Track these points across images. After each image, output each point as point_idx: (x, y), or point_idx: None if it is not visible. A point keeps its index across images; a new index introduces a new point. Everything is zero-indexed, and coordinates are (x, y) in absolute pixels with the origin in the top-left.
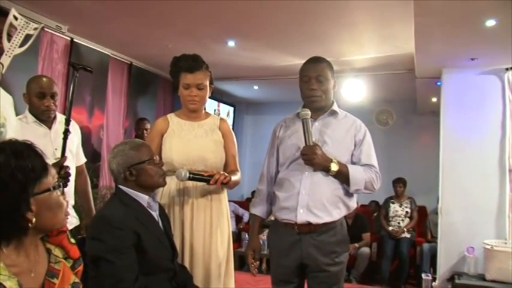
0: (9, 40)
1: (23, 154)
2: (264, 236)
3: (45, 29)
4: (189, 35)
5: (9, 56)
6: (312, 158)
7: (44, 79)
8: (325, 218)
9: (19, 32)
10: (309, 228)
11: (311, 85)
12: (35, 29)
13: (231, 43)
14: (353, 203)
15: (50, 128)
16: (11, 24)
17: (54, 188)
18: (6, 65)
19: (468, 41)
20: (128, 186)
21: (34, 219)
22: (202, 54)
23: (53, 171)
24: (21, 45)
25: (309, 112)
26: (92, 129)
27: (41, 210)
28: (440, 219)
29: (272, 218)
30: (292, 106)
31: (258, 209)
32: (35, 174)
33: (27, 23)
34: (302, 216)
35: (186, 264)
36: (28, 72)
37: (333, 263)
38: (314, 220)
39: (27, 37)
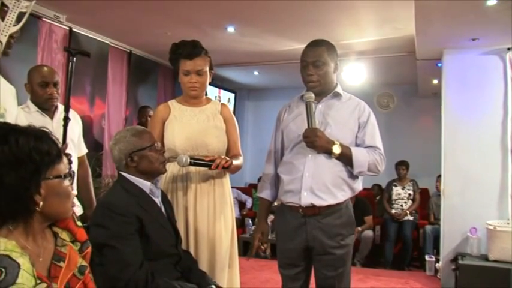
0: (3, 19)
1: (42, 138)
2: (268, 221)
3: (44, 19)
4: (188, 21)
5: (5, 35)
6: (314, 141)
7: (46, 68)
8: (329, 200)
9: (11, 11)
10: (313, 210)
11: (308, 70)
12: (27, 6)
13: (231, 29)
14: (358, 185)
15: (51, 117)
16: (2, 4)
17: (65, 176)
18: (4, 43)
19: (469, 21)
20: (130, 172)
21: (41, 203)
22: (201, 40)
23: (65, 160)
24: (15, 24)
25: (312, 95)
26: (93, 118)
27: (50, 195)
28: (443, 201)
29: (275, 203)
30: (293, 91)
31: (265, 193)
32: (49, 158)
33: (18, 1)
34: (306, 199)
35: (191, 249)
36: (27, 63)
37: (339, 246)
38: (318, 202)
39: (21, 16)
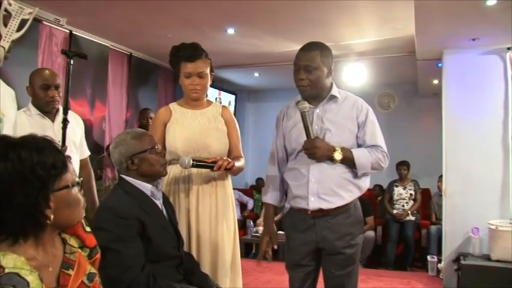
0: (5, 26)
1: (45, 150)
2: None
3: (44, 22)
4: (188, 23)
5: (7, 41)
6: (314, 153)
7: (47, 71)
8: (336, 203)
9: (14, 17)
10: (322, 212)
11: (299, 75)
12: (30, 13)
13: (231, 30)
14: (364, 183)
15: (53, 120)
16: (5, 10)
17: (73, 185)
18: (7, 49)
19: (469, 21)
20: (130, 175)
21: (52, 216)
22: (201, 42)
23: (71, 168)
24: (17, 30)
25: (306, 105)
26: (94, 121)
27: (60, 207)
28: (445, 201)
29: (287, 205)
30: (294, 92)
31: (270, 197)
32: (55, 170)
33: (21, 8)
34: (314, 204)
35: (193, 251)
36: (28, 66)
37: (348, 245)
38: (325, 206)
39: (23, 22)
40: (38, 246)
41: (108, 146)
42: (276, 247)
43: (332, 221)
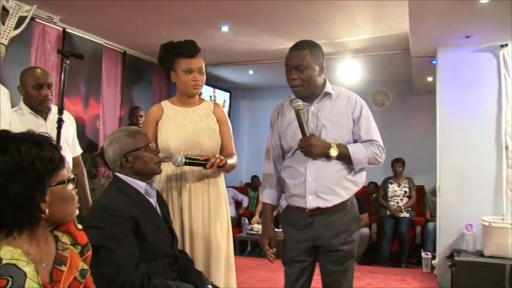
0: (3, 23)
1: (43, 145)
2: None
3: (37, 20)
4: (183, 21)
5: (6, 38)
6: (310, 151)
7: (39, 70)
8: (334, 201)
9: (12, 15)
10: (320, 210)
11: (291, 75)
12: (27, 10)
13: (225, 28)
14: (361, 179)
15: (45, 119)
16: (3, 8)
17: (68, 181)
18: (6, 46)
19: (463, 19)
20: (124, 173)
21: (47, 210)
22: (196, 40)
23: (67, 165)
24: (16, 28)
25: (300, 103)
26: (88, 119)
27: (55, 201)
28: (439, 198)
29: (283, 202)
30: (288, 90)
31: (267, 196)
32: (52, 165)
33: (18, 5)
34: (311, 203)
35: (187, 249)
36: (21, 64)
37: (345, 242)
38: (323, 204)
39: (21, 20)
40: (32, 242)
41: (102, 148)
42: (275, 250)
43: (329, 219)
